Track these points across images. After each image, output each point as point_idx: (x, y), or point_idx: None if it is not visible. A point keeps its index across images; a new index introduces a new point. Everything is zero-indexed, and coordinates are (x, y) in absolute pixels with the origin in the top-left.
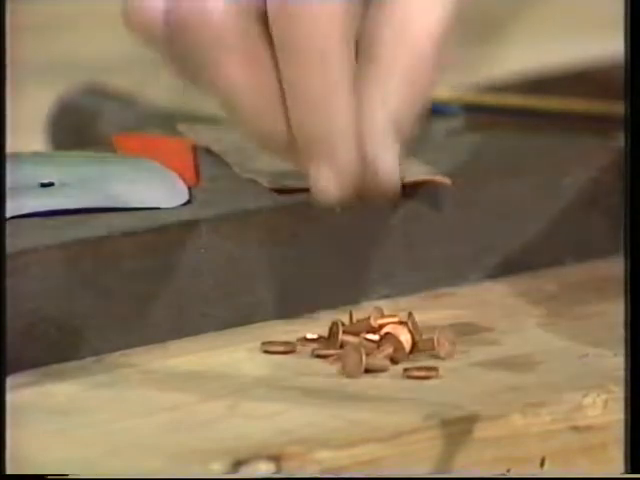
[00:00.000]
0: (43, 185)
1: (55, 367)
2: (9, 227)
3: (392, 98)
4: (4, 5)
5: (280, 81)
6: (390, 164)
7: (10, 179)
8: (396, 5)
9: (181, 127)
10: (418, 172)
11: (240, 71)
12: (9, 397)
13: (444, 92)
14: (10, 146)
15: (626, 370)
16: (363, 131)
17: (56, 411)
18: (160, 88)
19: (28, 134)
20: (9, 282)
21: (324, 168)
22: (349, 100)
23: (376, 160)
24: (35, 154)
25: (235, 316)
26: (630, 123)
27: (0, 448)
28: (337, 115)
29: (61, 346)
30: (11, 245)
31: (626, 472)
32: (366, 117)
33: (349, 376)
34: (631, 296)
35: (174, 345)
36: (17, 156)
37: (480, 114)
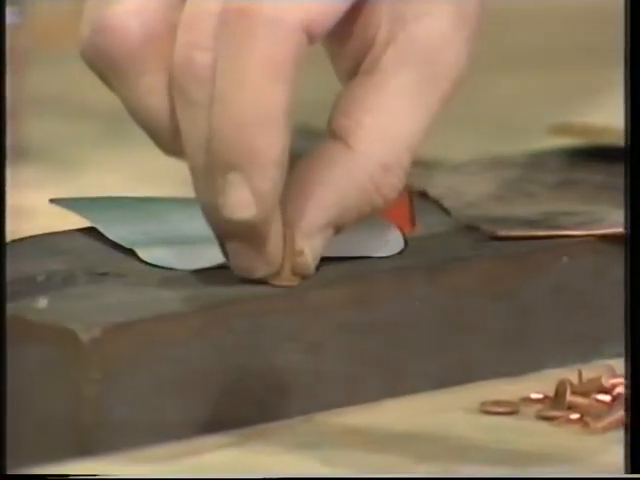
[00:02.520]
0: None
1: (260, 427)
2: (211, 276)
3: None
4: (4, 5)
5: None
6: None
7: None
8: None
9: None
10: None
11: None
12: (210, 458)
13: None
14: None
15: (626, 370)
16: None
17: (260, 473)
18: None
19: None
20: (214, 332)
21: (240, 182)
22: (281, 130)
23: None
24: None
25: (451, 374)
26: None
27: (0, 448)
28: (266, 139)
29: (267, 404)
30: (213, 296)
31: (626, 472)
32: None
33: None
34: (631, 296)
35: (387, 405)
36: None
37: None
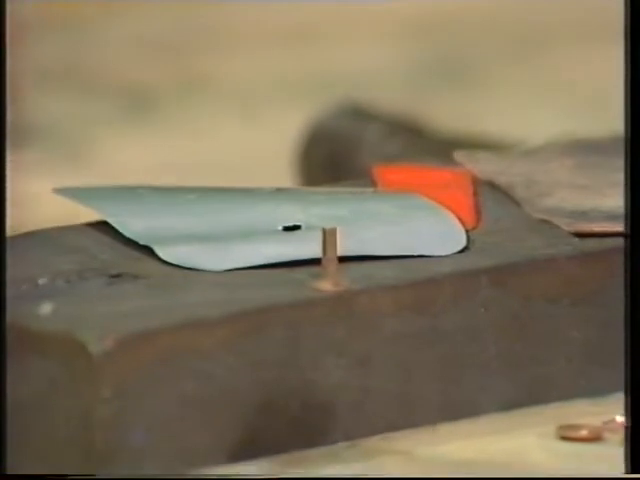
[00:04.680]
0: (286, 229)
1: (298, 454)
2: (244, 279)
3: None
4: (4, 5)
5: None
6: None
7: (245, 220)
8: None
9: (458, 156)
10: None
11: None
12: None
13: None
14: (248, 181)
15: (626, 370)
16: None
17: None
18: (433, 108)
19: (269, 165)
20: (246, 343)
21: None
22: None
23: None
24: (277, 190)
25: (522, 392)
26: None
27: (0, 448)
28: None
29: (307, 427)
30: (245, 302)
31: (626, 472)
32: None
33: None
34: (631, 298)
35: (446, 428)
36: (254, 193)
37: None
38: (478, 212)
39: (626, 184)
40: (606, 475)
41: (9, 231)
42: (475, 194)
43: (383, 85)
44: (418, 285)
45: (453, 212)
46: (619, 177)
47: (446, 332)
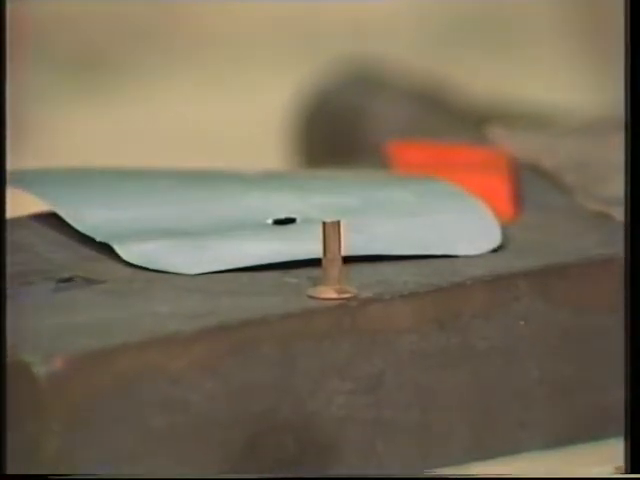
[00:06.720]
0: (278, 222)
1: None
2: (226, 284)
3: None
4: (4, 5)
5: None
6: None
7: (228, 212)
8: None
9: (493, 131)
10: None
11: None
12: None
13: None
14: (231, 161)
15: (626, 369)
16: None
17: None
18: (461, 72)
19: (258, 142)
20: (228, 364)
21: None
22: None
23: None
24: (266, 174)
25: (572, 426)
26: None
27: (0, 448)
28: None
29: (304, 467)
30: (227, 312)
31: (626, 472)
32: None
33: None
34: (631, 298)
35: (477, 469)
36: (238, 177)
37: None
38: (517, 201)
39: (626, 175)
40: (606, 475)
41: None
42: (513, 179)
43: (399, 43)
44: (442, 292)
45: (485, 201)
46: None
47: (477, 351)
